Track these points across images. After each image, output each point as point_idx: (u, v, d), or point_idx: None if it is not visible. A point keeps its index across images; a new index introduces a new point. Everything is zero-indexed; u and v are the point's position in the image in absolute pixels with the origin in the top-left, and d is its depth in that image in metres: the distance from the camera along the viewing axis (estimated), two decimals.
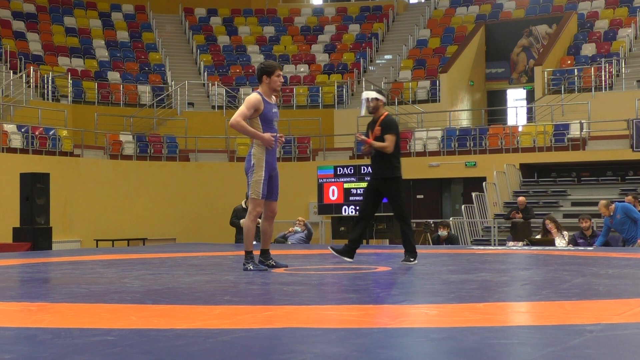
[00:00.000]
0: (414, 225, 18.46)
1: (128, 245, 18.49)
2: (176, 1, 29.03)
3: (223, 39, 27.90)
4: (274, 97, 6.69)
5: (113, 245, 18.17)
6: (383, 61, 26.99)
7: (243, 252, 6.72)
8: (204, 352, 2.85)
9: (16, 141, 18.16)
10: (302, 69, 26.39)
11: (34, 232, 13.71)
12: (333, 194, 15.22)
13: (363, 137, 7.46)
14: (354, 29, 28.33)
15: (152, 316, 3.90)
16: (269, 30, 28.45)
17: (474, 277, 5.91)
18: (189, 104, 24.26)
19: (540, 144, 19.44)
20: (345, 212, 14.93)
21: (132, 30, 27.57)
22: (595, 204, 17.19)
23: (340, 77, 25.40)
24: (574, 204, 17.92)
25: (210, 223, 19.80)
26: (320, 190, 15.14)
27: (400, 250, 8.08)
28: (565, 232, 12.27)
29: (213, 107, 24.40)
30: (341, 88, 24.59)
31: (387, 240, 15.56)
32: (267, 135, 6.44)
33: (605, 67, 21.63)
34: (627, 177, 18.25)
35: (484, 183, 18.02)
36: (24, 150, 18.16)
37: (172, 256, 9.36)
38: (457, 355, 2.79)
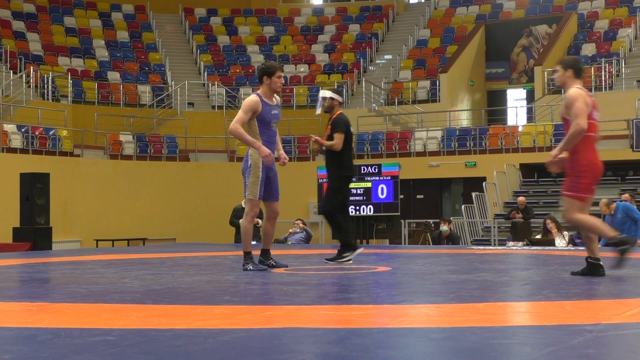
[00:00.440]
0: (414, 225, 18.50)
1: (128, 245, 18.49)
2: (176, 1, 29.03)
3: (223, 39, 27.90)
4: (276, 97, 6.67)
5: (113, 245, 18.17)
6: (383, 61, 26.99)
7: (243, 252, 6.72)
8: (204, 352, 2.85)
9: (16, 141, 18.16)
10: (302, 69, 26.39)
11: (34, 232, 13.71)
12: None
13: (316, 137, 7.58)
14: (354, 29, 28.33)
15: (152, 316, 3.90)
16: (269, 30, 28.45)
17: (474, 277, 5.91)
18: (189, 104, 24.26)
19: (540, 144, 19.44)
20: None
21: (132, 30, 27.56)
22: (595, 203, 17.23)
23: (340, 77, 25.40)
24: None
25: (210, 223, 19.80)
26: (320, 190, 15.14)
27: (399, 251, 8.10)
28: (565, 232, 12.27)
29: (213, 107, 24.40)
30: (341, 88, 24.58)
31: (387, 240, 15.57)
32: (265, 150, 6.41)
33: (605, 67, 21.63)
34: (627, 177, 18.25)
35: (484, 183, 18.02)
36: (24, 150, 18.17)
37: (172, 256, 9.36)
38: (457, 355, 2.79)
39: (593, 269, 5.69)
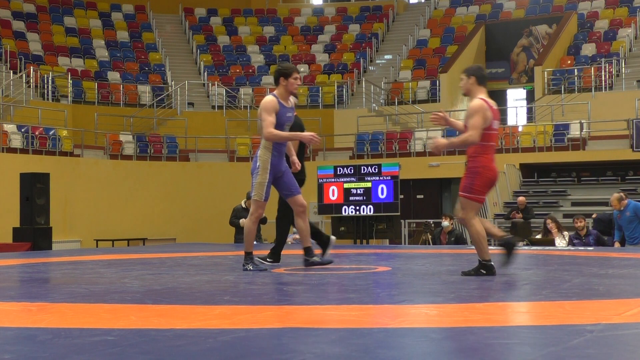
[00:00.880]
0: (414, 225, 18.49)
1: (128, 245, 18.49)
2: (176, 1, 29.03)
3: (223, 39, 27.90)
4: (291, 100, 6.62)
5: (113, 245, 18.17)
6: (383, 61, 26.99)
7: (243, 252, 6.71)
8: (204, 352, 2.85)
9: (16, 141, 18.16)
10: (302, 69, 26.38)
11: (34, 232, 13.71)
12: (333, 194, 15.21)
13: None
14: (354, 29, 28.33)
15: (152, 316, 3.90)
16: (269, 30, 28.45)
17: (474, 277, 5.91)
18: (189, 104, 24.26)
19: (540, 144, 19.44)
20: (345, 212, 14.92)
21: (132, 30, 27.57)
22: (595, 204, 17.25)
23: (340, 77, 25.40)
24: (574, 204, 17.92)
25: (210, 223, 19.79)
26: (320, 190, 15.13)
27: (399, 251, 8.10)
28: (565, 232, 12.27)
29: (213, 107, 24.40)
30: (341, 88, 24.59)
31: (387, 240, 15.56)
32: (307, 134, 6.44)
33: (605, 67, 21.63)
34: (627, 177, 18.25)
35: None
36: (24, 150, 18.16)
37: (172, 256, 9.36)
38: (457, 355, 2.79)
39: (486, 269, 5.96)
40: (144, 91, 23.93)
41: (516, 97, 26.52)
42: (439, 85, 23.46)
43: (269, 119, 6.34)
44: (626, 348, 2.98)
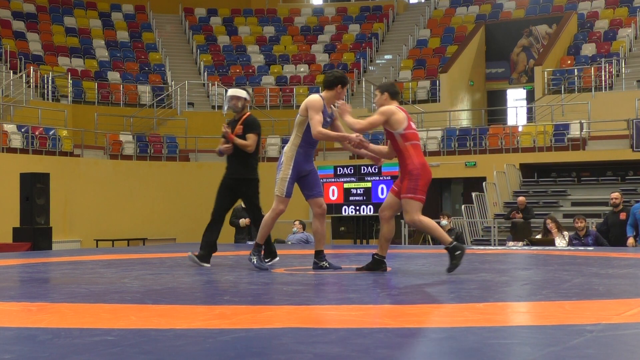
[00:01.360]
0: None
1: (128, 245, 18.49)
2: (176, 1, 29.04)
3: (223, 39, 27.90)
4: (333, 107, 6.60)
5: (113, 245, 18.17)
6: (383, 61, 26.99)
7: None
8: (204, 352, 2.85)
9: (16, 141, 18.16)
10: (302, 69, 26.39)
11: (34, 232, 13.71)
12: (333, 194, 15.22)
13: (227, 129, 7.32)
14: (354, 29, 28.33)
15: (152, 316, 3.90)
16: (269, 30, 28.46)
17: (474, 277, 5.92)
18: (189, 104, 24.26)
19: (540, 144, 19.44)
20: (345, 212, 14.93)
21: (132, 30, 27.57)
22: (595, 204, 17.25)
23: None
24: (574, 204, 17.92)
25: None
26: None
27: (399, 251, 8.10)
28: (565, 232, 12.27)
29: (213, 107, 24.40)
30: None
31: None
32: (350, 135, 6.35)
33: (605, 67, 21.63)
34: (627, 177, 18.24)
35: (484, 183, 18.02)
36: (24, 150, 18.16)
37: (172, 256, 9.36)
38: (457, 355, 2.79)
39: (376, 264, 6.32)
40: (144, 91, 23.94)
41: (516, 97, 26.52)
42: (439, 85, 23.46)
43: (318, 118, 6.33)
44: (626, 348, 2.98)
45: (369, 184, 15.03)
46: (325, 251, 6.76)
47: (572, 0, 26.30)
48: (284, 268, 6.89)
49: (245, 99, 7.42)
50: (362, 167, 15.02)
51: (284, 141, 19.64)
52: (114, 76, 24.67)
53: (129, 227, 19.36)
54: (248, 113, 7.44)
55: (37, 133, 18.55)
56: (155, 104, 23.43)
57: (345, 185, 15.13)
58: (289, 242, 13.80)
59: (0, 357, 2.73)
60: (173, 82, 24.82)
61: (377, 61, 27.01)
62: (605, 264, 7.42)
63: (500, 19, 26.73)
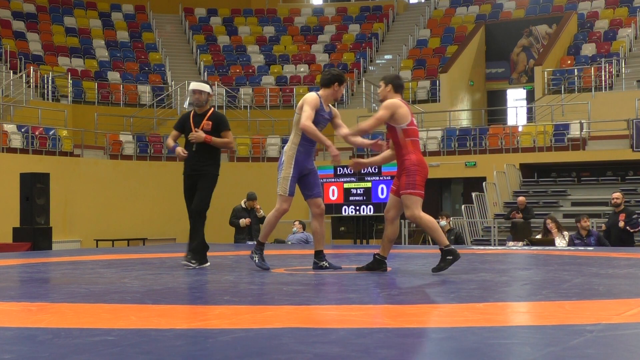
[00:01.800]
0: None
1: (128, 245, 18.49)
2: (176, 1, 29.04)
3: (223, 39, 27.90)
4: (330, 106, 6.63)
5: (113, 245, 18.17)
6: (383, 61, 26.99)
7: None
8: (204, 352, 2.85)
9: (16, 141, 18.16)
10: (302, 69, 26.39)
11: (34, 232, 13.71)
12: (333, 194, 15.22)
13: (200, 132, 7.21)
14: (354, 29, 28.33)
15: (152, 316, 3.90)
16: (269, 30, 28.46)
17: (474, 277, 5.92)
18: (189, 104, 24.26)
19: (540, 144, 19.44)
20: (345, 212, 14.93)
21: (132, 30, 27.57)
22: (595, 204, 17.26)
23: None
24: (574, 204, 17.92)
25: (210, 223, 19.69)
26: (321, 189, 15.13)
27: (399, 251, 8.10)
28: (565, 232, 12.27)
29: (213, 107, 24.37)
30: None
31: None
32: (334, 150, 6.41)
33: (605, 67, 21.63)
34: (627, 177, 18.25)
35: (484, 183, 18.02)
36: (24, 150, 18.16)
37: (172, 256, 9.36)
38: (457, 355, 2.79)
39: (377, 264, 6.36)
40: (144, 91, 23.94)
41: (516, 97, 26.52)
42: (439, 85, 23.45)
43: (310, 112, 6.38)
44: (626, 348, 2.98)
45: (369, 184, 15.03)
46: (325, 251, 6.76)
47: (572, 0, 26.30)
48: (284, 268, 6.89)
49: (209, 93, 7.42)
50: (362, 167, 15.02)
51: (284, 141, 19.63)
52: (114, 76, 24.67)
53: (129, 227, 19.36)
54: (212, 108, 7.45)
55: (37, 133, 18.55)
56: (155, 104, 23.43)
57: (345, 185, 15.13)
58: (289, 242, 13.79)
59: (0, 357, 2.73)
60: (173, 82, 24.81)
61: (377, 61, 27.01)
62: (606, 264, 7.42)
63: (500, 19, 26.73)
